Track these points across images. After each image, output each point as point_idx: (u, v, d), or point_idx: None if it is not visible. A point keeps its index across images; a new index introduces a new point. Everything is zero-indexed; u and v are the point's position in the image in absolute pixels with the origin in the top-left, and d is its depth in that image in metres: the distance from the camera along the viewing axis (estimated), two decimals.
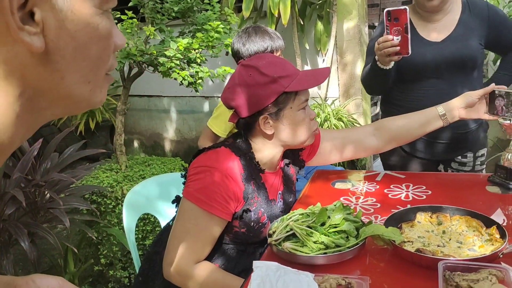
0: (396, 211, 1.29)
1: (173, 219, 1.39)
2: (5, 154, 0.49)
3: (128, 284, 2.65)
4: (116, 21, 2.80)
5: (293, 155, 1.47)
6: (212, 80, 2.71)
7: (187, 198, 1.23)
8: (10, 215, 2.05)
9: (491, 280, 0.90)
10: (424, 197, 1.50)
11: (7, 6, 0.40)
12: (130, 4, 2.76)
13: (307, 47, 3.84)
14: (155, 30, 2.66)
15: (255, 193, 1.29)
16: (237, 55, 1.98)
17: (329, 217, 1.19)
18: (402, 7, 1.58)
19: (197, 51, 2.60)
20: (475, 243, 1.13)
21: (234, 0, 3.39)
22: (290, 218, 1.22)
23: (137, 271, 1.57)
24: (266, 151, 1.32)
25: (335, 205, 1.25)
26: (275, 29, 3.37)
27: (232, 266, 1.31)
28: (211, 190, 1.21)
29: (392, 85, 1.94)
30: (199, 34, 2.59)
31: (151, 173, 2.88)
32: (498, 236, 1.11)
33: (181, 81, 2.56)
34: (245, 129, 1.32)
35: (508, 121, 1.47)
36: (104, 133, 5.01)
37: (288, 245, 1.13)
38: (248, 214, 1.27)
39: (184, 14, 2.88)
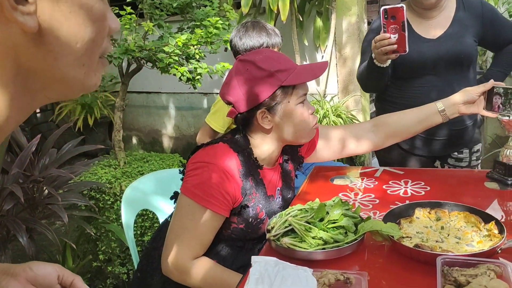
0: (395, 207, 1.29)
1: (171, 215, 1.39)
2: (0, 136, 0.49)
3: (127, 280, 2.65)
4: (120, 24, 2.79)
5: (292, 151, 1.46)
6: (211, 76, 2.70)
7: (184, 194, 1.23)
8: (8, 210, 2.05)
9: (489, 276, 0.90)
10: (423, 193, 1.50)
11: None
12: None
13: (306, 44, 3.83)
14: (153, 26, 2.65)
15: (253, 189, 1.28)
16: (234, 49, 1.98)
17: (327, 213, 1.19)
18: (399, 5, 1.58)
19: (195, 47, 2.59)
20: (474, 239, 1.13)
21: None
22: (289, 213, 1.22)
23: (136, 267, 1.57)
24: (265, 146, 1.32)
25: (333, 201, 1.25)
26: (274, 25, 3.36)
27: (231, 262, 1.31)
28: (209, 186, 1.20)
29: (388, 82, 1.94)
30: (197, 30, 2.59)
31: (150, 169, 2.87)
32: (496, 231, 1.11)
33: (179, 77, 2.55)
34: (243, 124, 1.31)
35: (507, 118, 1.47)
36: (103, 130, 5.00)
37: (286, 241, 1.13)
38: (246, 210, 1.27)
39: (183, 9, 2.87)
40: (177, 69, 2.53)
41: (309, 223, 1.17)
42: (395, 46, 1.61)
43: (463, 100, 1.44)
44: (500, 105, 1.42)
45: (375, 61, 1.76)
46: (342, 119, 3.36)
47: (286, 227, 1.17)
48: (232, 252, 1.32)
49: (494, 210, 1.31)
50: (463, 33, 1.83)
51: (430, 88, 1.85)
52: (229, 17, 2.84)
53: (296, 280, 0.93)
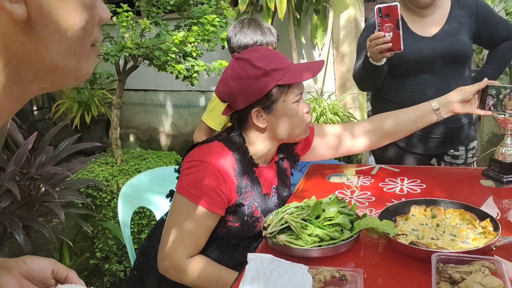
0: (391, 204, 1.29)
1: (167, 213, 1.39)
2: None
3: (124, 277, 2.65)
4: (111, 14, 2.78)
5: (287, 149, 1.46)
6: (208, 74, 2.70)
7: (179, 193, 1.23)
8: (5, 208, 2.04)
9: (483, 272, 0.90)
10: (419, 190, 1.51)
11: None
12: None
13: (304, 41, 3.83)
14: (150, 24, 2.64)
15: (249, 188, 1.28)
16: (229, 45, 1.98)
17: (323, 210, 1.19)
18: (393, 4, 1.58)
19: (193, 44, 2.59)
20: (469, 236, 1.14)
21: None
22: (285, 211, 1.23)
23: (132, 265, 1.57)
24: (260, 145, 1.32)
25: (330, 199, 1.25)
26: (271, 23, 3.36)
27: (227, 260, 1.31)
28: (204, 184, 1.21)
29: (383, 80, 1.95)
30: (195, 28, 2.58)
31: (147, 167, 2.87)
32: (491, 229, 1.12)
33: (176, 75, 2.55)
34: (238, 122, 1.31)
35: (503, 116, 1.48)
36: (100, 127, 4.99)
37: (282, 238, 1.13)
38: (242, 209, 1.27)
39: (180, 7, 2.87)
40: (174, 66, 2.52)
41: (305, 220, 1.17)
42: (390, 44, 1.62)
43: (458, 99, 1.44)
44: (492, 105, 1.42)
45: (370, 59, 1.76)
46: (339, 117, 3.36)
47: (282, 224, 1.17)
48: (228, 250, 1.33)
49: (490, 207, 1.32)
50: (458, 31, 1.84)
51: (426, 86, 1.86)
52: (226, 15, 2.83)
53: (292, 277, 0.94)
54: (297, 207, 1.25)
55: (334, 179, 1.67)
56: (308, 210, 1.20)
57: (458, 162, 2.01)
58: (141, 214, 2.65)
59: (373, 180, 1.63)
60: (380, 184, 1.59)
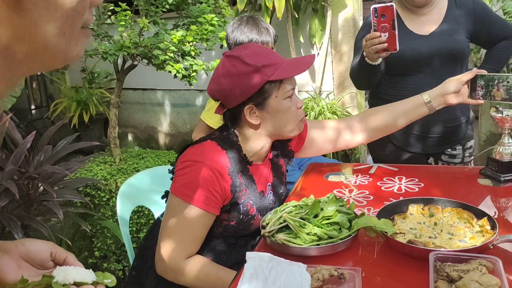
0: (389, 203, 1.30)
1: (163, 214, 1.39)
2: None
3: (122, 277, 2.65)
4: (109, 13, 2.78)
5: (281, 146, 1.46)
6: (206, 73, 2.70)
7: (174, 194, 1.23)
8: (3, 207, 2.04)
9: (481, 271, 0.91)
10: (417, 189, 1.51)
11: None
12: None
13: (302, 41, 3.83)
14: (149, 23, 2.64)
15: (243, 186, 1.28)
16: (226, 41, 1.98)
17: (322, 209, 1.20)
18: (389, 4, 1.58)
19: (191, 44, 2.59)
20: (466, 235, 1.14)
21: None
22: (284, 210, 1.23)
23: (131, 263, 1.57)
24: (254, 142, 1.32)
25: (328, 197, 1.25)
26: (270, 22, 3.36)
27: (224, 259, 1.31)
28: (198, 184, 1.20)
29: (380, 79, 1.95)
30: (193, 27, 2.58)
31: (145, 166, 2.88)
32: (488, 227, 1.12)
33: (175, 74, 2.55)
34: (231, 120, 1.31)
35: (500, 115, 1.48)
36: (98, 126, 4.99)
37: (281, 237, 1.14)
38: (237, 207, 1.27)
39: (178, 6, 2.87)
40: (172, 66, 2.52)
41: (303, 219, 1.17)
42: (386, 44, 1.62)
43: (451, 90, 1.44)
44: (483, 93, 1.42)
45: (366, 59, 1.77)
46: (337, 116, 3.37)
47: (280, 223, 1.17)
48: (225, 249, 1.33)
49: (487, 206, 1.32)
50: (455, 29, 1.84)
51: (423, 85, 1.85)
52: (224, 14, 2.84)
53: (290, 275, 0.94)
54: (295, 206, 1.25)
55: (333, 178, 1.67)
56: (307, 209, 1.20)
57: (455, 161, 2.01)
58: (140, 213, 2.65)
59: (371, 179, 1.64)
60: (378, 183, 1.59)
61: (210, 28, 2.60)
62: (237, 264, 1.27)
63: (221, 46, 2.77)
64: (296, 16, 3.60)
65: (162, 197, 1.40)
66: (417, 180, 1.58)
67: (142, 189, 1.80)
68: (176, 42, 2.52)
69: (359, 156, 3.58)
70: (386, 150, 2.05)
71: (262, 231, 1.18)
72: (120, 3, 2.65)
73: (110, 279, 0.82)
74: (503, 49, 1.95)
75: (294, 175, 1.89)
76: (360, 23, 3.75)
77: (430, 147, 1.98)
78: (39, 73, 5.27)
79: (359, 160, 3.62)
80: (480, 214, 1.18)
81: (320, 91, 3.77)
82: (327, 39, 3.66)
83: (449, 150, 2.00)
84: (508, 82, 1.37)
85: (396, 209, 1.27)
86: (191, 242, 1.24)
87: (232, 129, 1.31)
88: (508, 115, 1.48)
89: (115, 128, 2.93)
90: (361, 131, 1.52)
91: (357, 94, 3.75)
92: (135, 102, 4.99)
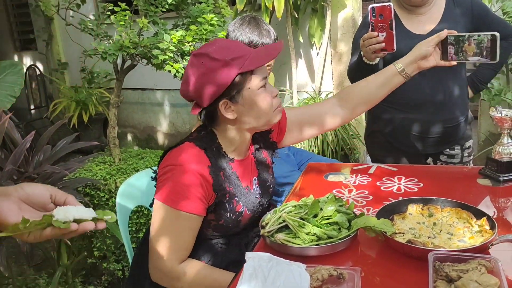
0: (388, 203, 1.30)
1: None
2: None
3: (122, 276, 2.65)
4: (109, 13, 2.78)
5: (263, 138, 1.44)
6: None
7: (158, 200, 1.22)
8: None
9: (480, 271, 0.91)
10: (416, 189, 1.51)
11: None
12: None
13: (301, 40, 3.84)
14: (148, 23, 2.64)
15: (226, 184, 1.27)
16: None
17: (321, 209, 1.20)
18: (387, 4, 1.58)
19: (190, 43, 2.59)
20: (465, 235, 1.15)
21: None
22: (283, 210, 1.23)
23: (130, 263, 1.57)
24: (233, 137, 1.30)
25: (327, 197, 1.25)
26: (269, 22, 3.36)
27: (219, 260, 1.30)
28: (180, 188, 1.19)
29: None
30: (192, 27, 2.58)
31: (145, 166, 2.88)
32: (488, 227, 1.12)
33: (174, 74, 2.55)
34: (208, 119, 1.30)
35: (500, 115, 1.48)
36: (98, 126, 4.99)
37: (280, 237, 1.14)
38: (223, 206, 1.26)
39: (178, 6, 2.87)
40: (172, 65, 2.53)
41: (303, 219, 1.17)
42: (383, 44, 1.62)
43: (420, 55, 1.42)
44: (453, 56, 1.41)
45: (364, 58, 1.77)
46: None
47: (280, 223, 1.17)
48: (219, 250, 1.32)
49: (486, 206, 1.32)
50: (453, 29, 1.83)
51: (421, 85, 1.86)
52: (224, 14, 2.84)
53: (290, 275, 0.94)
54: (295, 206, 1.25)
55: (332, 178, 1.67)
56: (306, 209, 1.21)
57: (454, 161, 2.01)
58: (139, 213, 2.65)
59: (370, 179, 1.64)
60: (377, 183, 1.59)
61: (210, 28, 2.60)
62: (233, 264, 1.27)
63: None
64: (296, 16, 3.61)
65: (150, 205, 1.38)
66: (416, 180, 1.58)
67: (142, 189, 1.79)
68: (176, 42, 2.52)
69: (358, 157, 3.58)
70: (385, 150, 2.05)
71: (262, 231, 1.18)
72: (119, 3, 2.65)
73: (110, 215, 0.83)
74: (502, 49, 1.95)
75: (294, 175, 1.89)
76: (360, 23, 3.75)
77: (428, 147, 1.98)
78: (38, 73, 5.27)
79: (359, 160, 3.62)
80: (479, 214, 1.18)
81: (320, 91, 3.77)
82: (326, 39, 3.67)
83: (448, 150, 2.00)
84: (479, 36, 1.37)
85: (396, 209, 1.27)
86: (181, 246, 1.23)
87: (209, 128, 1.30)
88: (507, 115, 1.48)
89: (115, 128, 2.93)
90: (341, 110, 1.50)
91: None
92: (134, 102, 4.99)
